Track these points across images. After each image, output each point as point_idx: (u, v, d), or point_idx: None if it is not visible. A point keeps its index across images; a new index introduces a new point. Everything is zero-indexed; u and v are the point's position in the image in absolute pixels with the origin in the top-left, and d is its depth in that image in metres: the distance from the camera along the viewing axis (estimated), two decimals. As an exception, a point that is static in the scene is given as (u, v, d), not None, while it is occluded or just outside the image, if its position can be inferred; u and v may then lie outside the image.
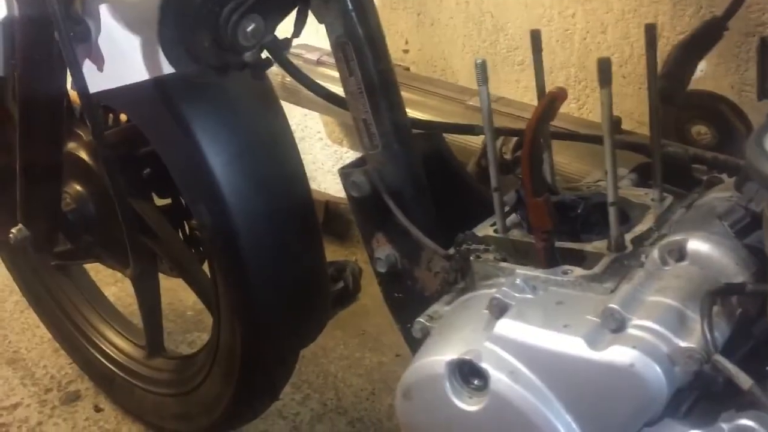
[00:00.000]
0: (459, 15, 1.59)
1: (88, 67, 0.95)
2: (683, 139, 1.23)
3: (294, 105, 1.77)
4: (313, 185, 2.01)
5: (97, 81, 0.96)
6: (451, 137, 1.06)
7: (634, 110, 1.38)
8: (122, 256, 1.16)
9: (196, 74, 0.80)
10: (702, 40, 0.95)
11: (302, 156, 2.07)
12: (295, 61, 1.71)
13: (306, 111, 1.88)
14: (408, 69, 1.70)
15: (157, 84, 0.96)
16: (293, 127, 2.05)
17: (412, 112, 1.52)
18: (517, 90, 1.55)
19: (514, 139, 1.23)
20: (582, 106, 1.50)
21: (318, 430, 1.46)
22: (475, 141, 1.20)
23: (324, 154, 1.96)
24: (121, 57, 0.96)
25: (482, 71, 0.80)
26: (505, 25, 1.53)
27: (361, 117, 0.91)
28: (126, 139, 1.17)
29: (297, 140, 2.07)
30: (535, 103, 1.55)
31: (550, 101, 0.71)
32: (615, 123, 1.29)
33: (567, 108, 1.50)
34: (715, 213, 0.72)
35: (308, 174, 2.07)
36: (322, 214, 1.88)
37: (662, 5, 1.34)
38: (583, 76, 1.48)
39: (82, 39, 0.90)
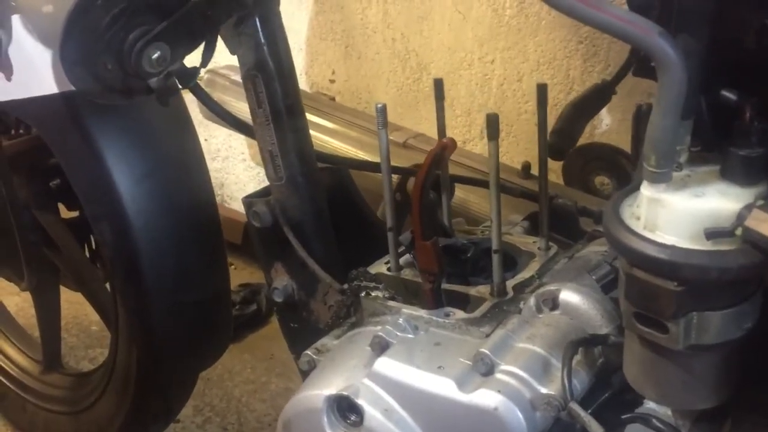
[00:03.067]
0: (385, 51, 1.63)
1: (-4, 76, 0.94)
2: (587, 189, 1.30)
3: (219, 125, 1.77)
4: (236, 205, 2.01)
5: (4, 90, 0.95)
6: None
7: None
8: (18, 267, 1.13)
9: (99, 95, 0.80)
10: (591, 101, 1.01)
11: (226, 176, 2.07)
12: (224, 82, 1.72)
13: (230, 131, 1.88)
14: (333, 99, 1.73)
15: (66, 98, 0.95)
16: (218, 147, 2.06)
17: (333, 142, 1.56)
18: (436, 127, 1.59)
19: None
20: (497, 149, 1.55)
21: (215, 454, 1.45)
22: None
23: (247, 175, 1.97)
24: (31, 68, 0.95)
25: (382, 115, 0.83)
26: (429, 65, 1.58)
27: (267, 148, 0.92)
28: (32, 149, 1.15)
29: (221, 160, 2.07)
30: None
31: (440, 150, 0.74)
32: (525, 168, 1.35)
33: (483, 151, 1.55)
34: (587, 266, 0.76)
35: (230, 194, 2.06)
36: (240, 236, 1.87)
37: (574, 60, 1.41)
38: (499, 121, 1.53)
39: (-8, 47, 0.89)
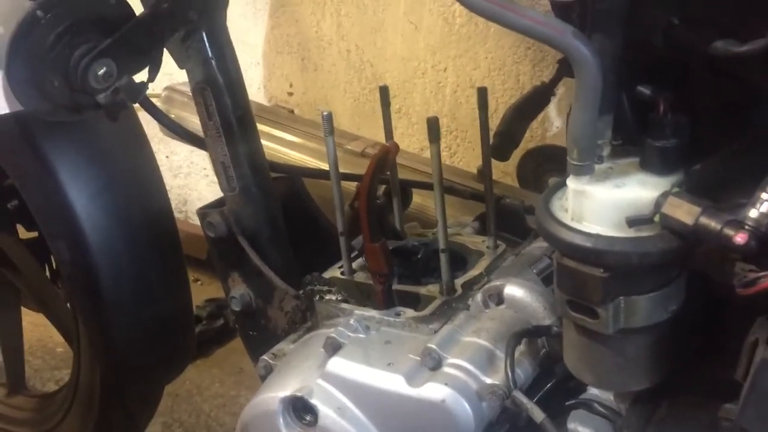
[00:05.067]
0: (341, 62, 1.66)
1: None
2: (541, 190, 1.33)
3: (180, 143, 1.78)
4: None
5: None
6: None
7: (499, 162, 1.48)
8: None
9: (48, 113, 0.81)
10: (532, 103, 1.05)
11: (189, 192, 2.08)
12: (183, 98, 1.73)
13: (192, 147, 1.89)
14: (292, 111, 1.75)
15: (18, 118, 0.96)
16: (180, 164, 2.06)
17: (294, 154, 1.58)
18: (394, 136, 1.62)
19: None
20: (453, 155, 1.58)
21: (185, 470, 1.45)
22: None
23: (210, 191, 1.97)
24: (-19, 90, 0.95)
25: (328, 123, 0.85)
26: (384, 75, 1.60)
27: (220, 160, 0.94)
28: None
29: (183, 176, 2.07)
30: (410, 148, 1.63)
31: (384, 154, 0.77)
32: (481, 172, 1.38)
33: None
34: (531, 261, 0.79)
35: (194, 210, 2.05)
36: (205, 251, 1.87)
37: (523, 66, 1.45)
38: (454, 127, 1.56)
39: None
